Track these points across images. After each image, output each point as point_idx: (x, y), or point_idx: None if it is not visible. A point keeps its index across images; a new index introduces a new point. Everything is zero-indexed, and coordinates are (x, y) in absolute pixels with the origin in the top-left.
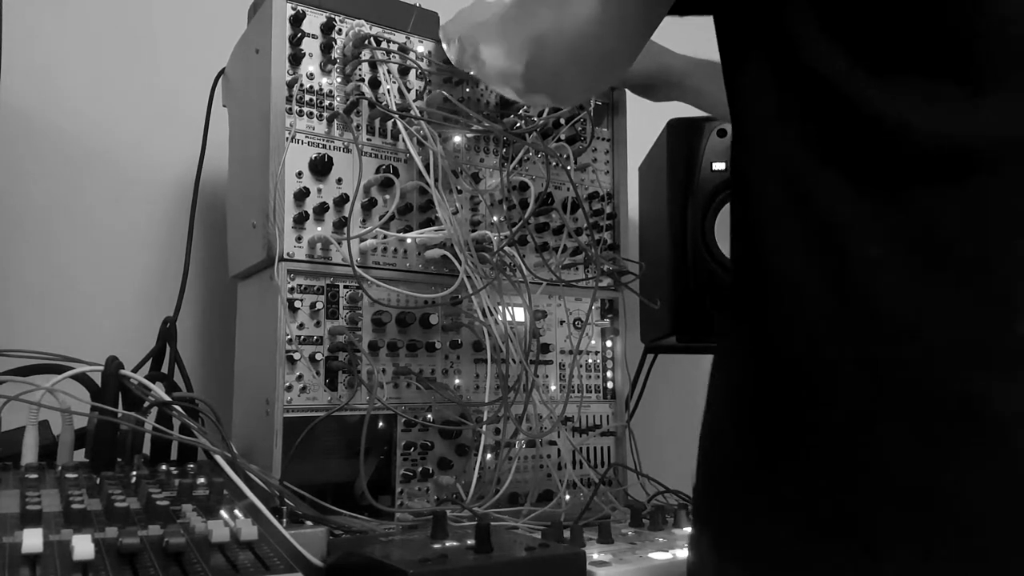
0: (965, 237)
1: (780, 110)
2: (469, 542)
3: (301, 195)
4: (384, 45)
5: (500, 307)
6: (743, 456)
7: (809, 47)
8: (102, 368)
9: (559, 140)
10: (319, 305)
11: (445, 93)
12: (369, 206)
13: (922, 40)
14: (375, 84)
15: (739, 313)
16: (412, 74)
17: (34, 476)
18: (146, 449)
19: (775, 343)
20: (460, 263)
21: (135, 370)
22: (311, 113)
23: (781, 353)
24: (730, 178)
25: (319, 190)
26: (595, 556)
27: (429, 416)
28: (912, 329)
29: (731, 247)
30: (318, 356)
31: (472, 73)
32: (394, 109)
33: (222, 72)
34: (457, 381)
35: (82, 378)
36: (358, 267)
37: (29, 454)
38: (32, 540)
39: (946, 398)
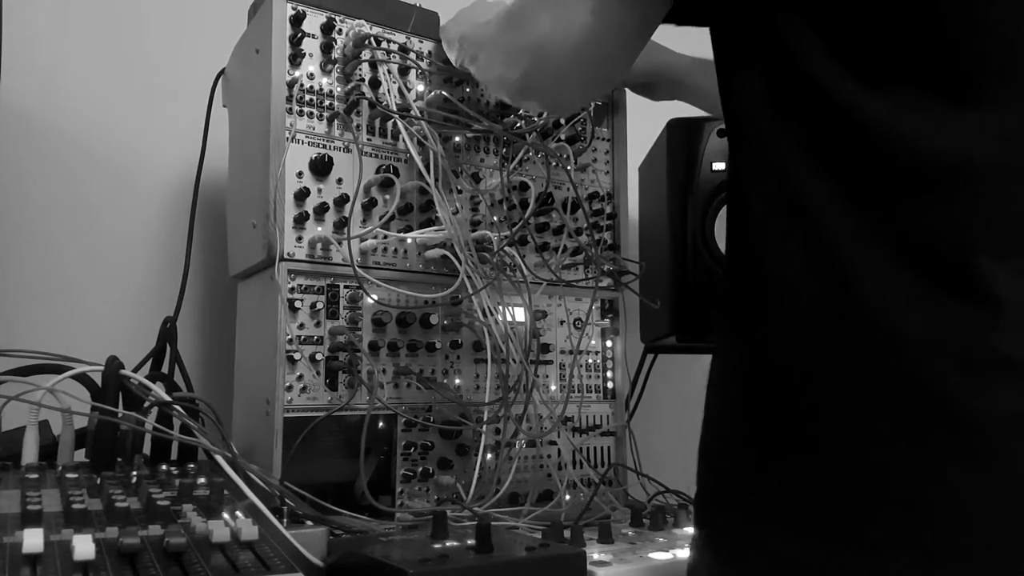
0: (951, 248)
1: (774, 116)
2: (469, 542)
3: (301, 195)
4: (384, 45)
5: (500, 307)
6: (744, 457)
7: (802, 55)
8: (102, 368)
9: (559, 140)
10: (319, 305)
11: (445, 93)
12: (369, 206)
13: (913, 52)
14: (375, 84)
15: (739, 316)
16: (412, 74)
17: (34, 476)
18: (146, 449)
19: (775, 346)
20: (460, 263)
21: (135, 370)
22: (311, 113)
23: (781, 356)
24: (726, 182)
25: (319, 190)
26: (595, 556)
27: (429, 416)
28: (906, 335)
29: (727, 249)
30: (318, 356)
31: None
32: (394, 109)
33: (222, 72)
34: (457, 381)
35: (82, 378)
36: (358, 267)
37: (29, 454)
38: (33, 540)
39: (941, 401)
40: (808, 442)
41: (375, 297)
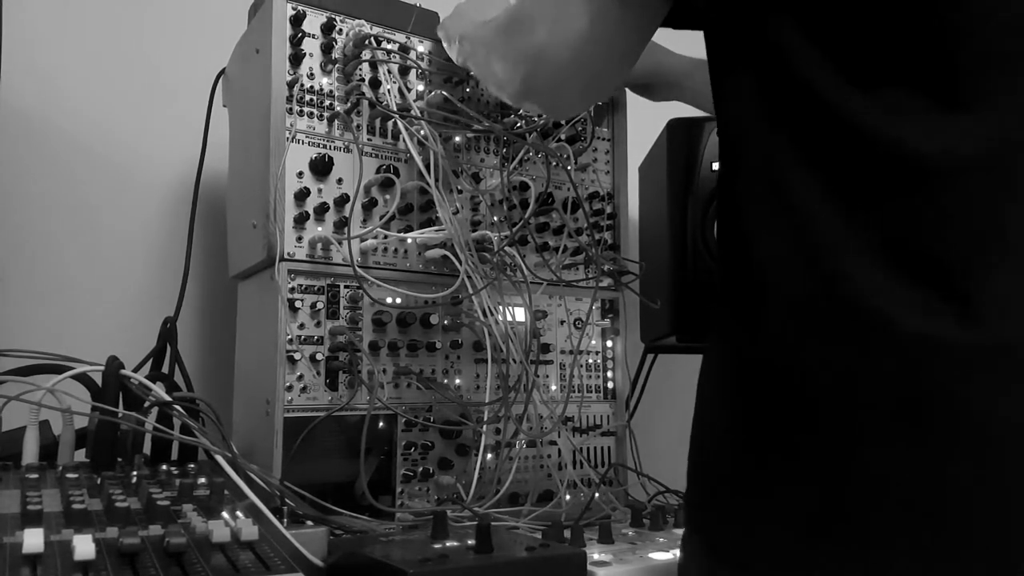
0: (940, 248)
1: (766, 119)
2: (469, 542)
3: (301, 195)
4: (384, 45)
5: (500, 307)
6: (740, 459)
7: (793, 58)
8: (102, 368)
9: (559, 140)
10: (319, 305)
11: (445, 93)
12: (369, 206)
13: (904, 54)
14: (375, 84)
15: (735, 317)
16: (412, 74)
17: (35, 476)
18: (147, 449)
19: (774, 347)
20: (460, 263)
21: (135, 370)
22: (311, 113)
23: (781, 357)
24: (717, 185)
25: (319, 190)
26: (595, 556)
27: (429, 416)
28: (902, 334)
29: (719, 251)
30: (318, 356)
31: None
32: (394, 109)
33: (222, 72)
34: (457, 381)
35: (83, 378)
36: (358, 267)
37: (30, 454)
38: (33, 540)
39: (940, 401)
40: (808, 443)
41: (375, 297)
